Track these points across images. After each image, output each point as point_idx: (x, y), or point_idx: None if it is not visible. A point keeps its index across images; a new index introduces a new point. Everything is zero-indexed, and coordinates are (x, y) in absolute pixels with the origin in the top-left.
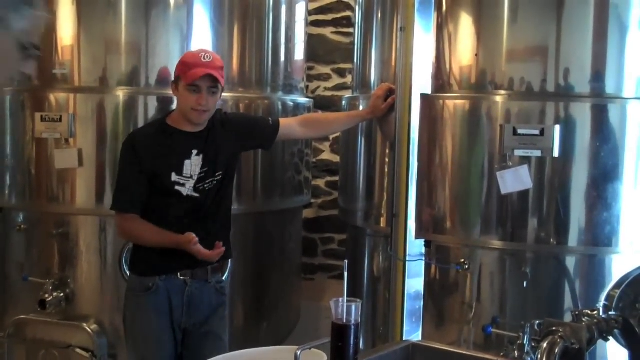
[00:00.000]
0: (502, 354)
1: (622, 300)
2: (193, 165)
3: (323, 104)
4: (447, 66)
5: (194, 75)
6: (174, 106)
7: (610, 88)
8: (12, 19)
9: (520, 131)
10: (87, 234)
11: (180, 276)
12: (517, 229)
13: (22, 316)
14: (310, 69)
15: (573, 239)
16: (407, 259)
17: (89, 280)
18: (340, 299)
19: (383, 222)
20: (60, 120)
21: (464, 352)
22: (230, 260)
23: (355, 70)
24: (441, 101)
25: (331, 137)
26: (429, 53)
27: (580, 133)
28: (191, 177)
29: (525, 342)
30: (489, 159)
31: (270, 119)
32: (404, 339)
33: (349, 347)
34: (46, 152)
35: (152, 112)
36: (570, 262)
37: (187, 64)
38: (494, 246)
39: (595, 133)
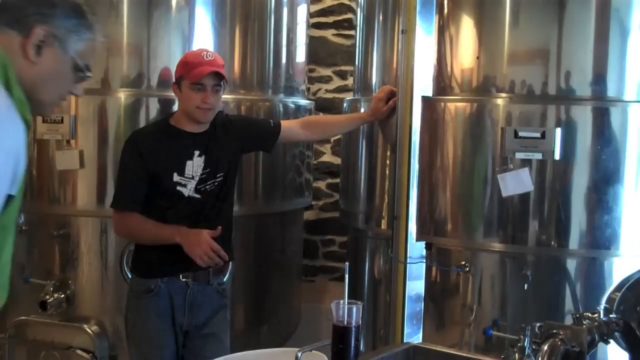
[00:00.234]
0: (502, 356)
1: (622, 303)
2: (195, 165)
3: (324, 106)
4: (449, 69)
5: (199, 73)
6: (176, 108)
7: (611, 91)
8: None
9: (521, 134)
10: (88, 235)
11: (182, 278)
12: (518, 231)
13: (23, 317)
14: (311, 71)
15: (574, 242)
16: (408, 261)
17: (89, 282)
18: (341, 301)
19: (384, 225)
20: (62, 121)
21: (465, 355)
22: (231, 263)
23: (357, 73)
24: (442, 104)
25: (332, 139)
26: (430, 55)
27: (581, 136)
28: (193, 177)
29: (525, 344)
30: (490, 161)
31: (271, 121)
32: (405, 341)
33: (350, 350)
34: (47, 153)
35: (153, 113)
36: (571, 264)
37: (191, 63)
38: (495, 249)
39: (596, 136)
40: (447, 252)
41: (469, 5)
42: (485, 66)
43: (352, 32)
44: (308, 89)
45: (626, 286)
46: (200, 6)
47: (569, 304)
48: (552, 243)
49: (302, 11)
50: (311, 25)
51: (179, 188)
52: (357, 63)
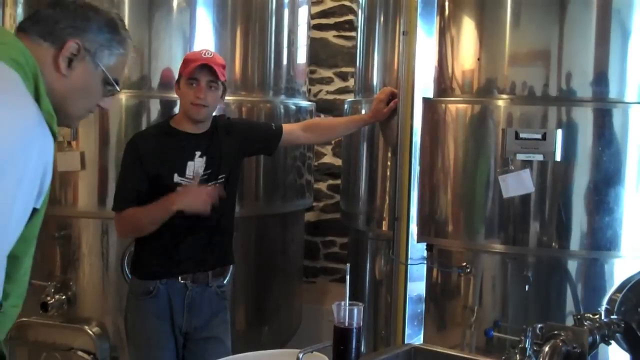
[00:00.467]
0: (503, 357)
1: (624, 304)
2: (196, 166)
3: (325, 107)
4: (450, 70)
5: (193, 67)
6: (177, 109)
7: (612, 92)
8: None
9: (522, 135)
10: (89, 237)
11: (181, 280)
12: (519, 232)
13: (24, 319)
14: (312, 72)
15: (575, 243)
16: (409, 262)
17: (90, 283)
18: (343, 303)
19: (385, 226)
20: None
21: (466, 356)
22: (231, 266)
23: (358, 74)
24: (443, 105)
25: (333, 140)
26: (431, 57)
27: (582, 137)
28: (194, 178)
29: (527, 345)
30: (491, 162)
31: (273, 124)
32: (406, 342)
33: (351, 351)
34: None
35: (154, 115)
36: (572, 266)
37: (188, 61)
38: (496, 250)
39: (597, 137)
40: (448, 253)
41: (470, 6)
42: (486, 67)
43: (353, 34)
44: (309, 91)
45: (627, 287)
46: (201, 7)
47: (570, 305)
48: (553, 244)
49: (303, 12)
50: (312, 27)
51: (180, 189)
52: (358, 64)
